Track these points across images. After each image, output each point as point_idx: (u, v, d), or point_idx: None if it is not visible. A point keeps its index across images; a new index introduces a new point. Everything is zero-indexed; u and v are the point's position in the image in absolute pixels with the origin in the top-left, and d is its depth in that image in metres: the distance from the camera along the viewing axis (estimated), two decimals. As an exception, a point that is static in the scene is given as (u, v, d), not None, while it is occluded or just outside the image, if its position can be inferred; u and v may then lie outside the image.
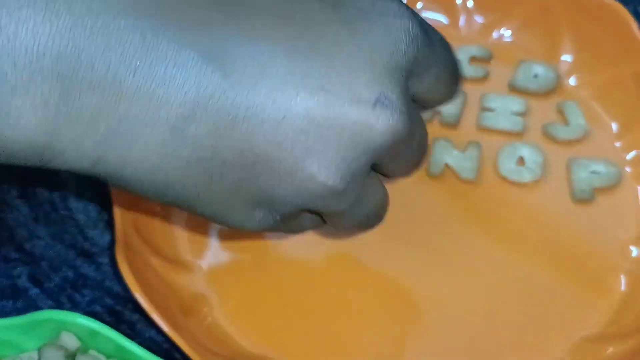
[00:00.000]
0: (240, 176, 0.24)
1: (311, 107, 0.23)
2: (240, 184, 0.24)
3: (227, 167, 0.24)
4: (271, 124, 0.23)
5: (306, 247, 0.37)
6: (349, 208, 0.26)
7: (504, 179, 0.40)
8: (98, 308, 0.36)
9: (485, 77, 0.44)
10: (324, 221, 0.28)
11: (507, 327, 0.34)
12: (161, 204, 0.29)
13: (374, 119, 0.24)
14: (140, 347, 0.29)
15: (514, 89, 0.43)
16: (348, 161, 0.24)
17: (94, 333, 0.30)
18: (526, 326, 0.34)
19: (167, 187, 0.25)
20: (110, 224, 0.40)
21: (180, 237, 0.38)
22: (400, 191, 0.40)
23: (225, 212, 0.26)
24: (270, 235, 0.37)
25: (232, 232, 0.38)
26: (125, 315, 0.36)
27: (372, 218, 0.29)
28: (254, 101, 0.23)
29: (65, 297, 0.37)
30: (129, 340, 0.30)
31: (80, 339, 0.31)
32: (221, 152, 0.23)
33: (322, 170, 0.24)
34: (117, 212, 0.35)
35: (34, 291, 0.37)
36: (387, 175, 0.29)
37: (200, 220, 0.38)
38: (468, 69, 0.44)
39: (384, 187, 0.29)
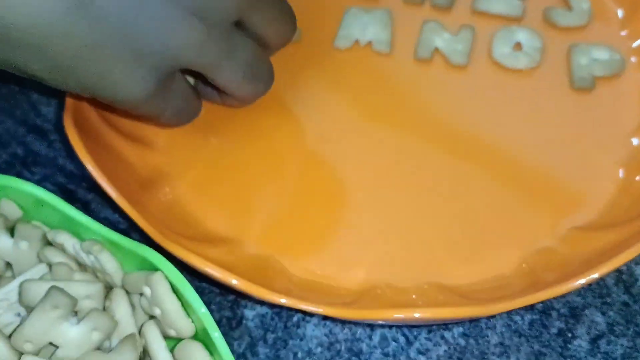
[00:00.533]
0: (118, 24, 0.25)
1: None
2: (119, 34, 0.25)
3: (105, 12, 0.25)
4: None
5: (271, 124, 0.34)
6: (224, 58, 0.28)
7: (497, 64, 0.36)
8: (49, 186, 0.33)
9: (483, -42, 0.40)
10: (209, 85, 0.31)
11: (498, 210, 0.32)
12: (44, 73, 0.27)
13: None
14: (87, 216, 0.27)
15: (514, -30, 0.39)
16: (208, 5, 0.27)
17: (38, 202, 0.27)
18: (517, 210, 0.31)
19: (49, 39, 0.25)
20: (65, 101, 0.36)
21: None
22: (385, 74, 0.37)
23: (107, 73, 0.26)
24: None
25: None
26: (78, 193, 0.33)
27: (253, 71, 0.30)
28: None
29: (13, 173, 0.34)
30: (75, 209, 0.27)
31: (22, 208, 0.28)
32: None
33: (186, 17, 0.26)
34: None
35: (-21, 166, 0.34)
36: (260, 43, 0.31)
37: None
38: (463, -52, 0.40)
39: (254, 43, 0.30)
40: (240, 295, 0.30)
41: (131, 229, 0.32)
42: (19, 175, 0.34)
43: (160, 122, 0.32)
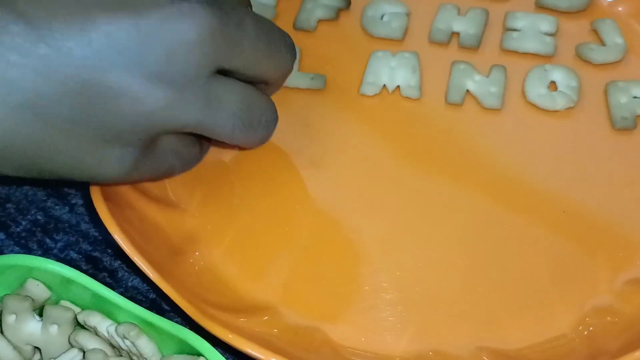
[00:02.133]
0: (74, 112, 0.24)
1: (113, 23, 0.23)
2: (79, 121, 0.24)
3: (57, 105, 0.23)
4: (81, 49, 0.23)
5: (302, 181, 0.33)
6: (205, 115, 0.26)
7: (533, 105, 0.35)
8: (73, 254, 0.32)
9: (508, -6, 0.39)
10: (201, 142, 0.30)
11: (548, 264, 0.30)
12: (17, 172, 0.26)
13: (176, 15, 0.24)
14: (120, 296, 0.25)
15: (542, 6, 0.38)
16: (171, 68, 0.24)
17: (66, 281, 0.26)
18: (568, 263, 0.30)
19: (6, 142, 0.24)
20: (85, 161, 0.35)
21: (165, 175, 0.33)
22: (415, 120, 0.35)
23: (76, 161, 0.25)
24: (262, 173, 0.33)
25: (224, 167, 0.34)
26: (104, 262, 0.31)
27: (245, 120, 0.28)
28: (57, 31, 0.23)
29: (34, 242, 0.32)
30: (107, 288, 0.25)
31: (50, 288, 0.26)
32: (45, 91, 0.23)
33: (147, 85, 0.24)
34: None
35: (-1, 236, 0.32)
36: (257, 80, 0.29)
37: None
38: (490, -15, 0.39)
39: (244, 87, 0.28)
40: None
41: (162, 298, 0.30)
42: (41, 243, 0.32)
43: (160, 178, 0.30)
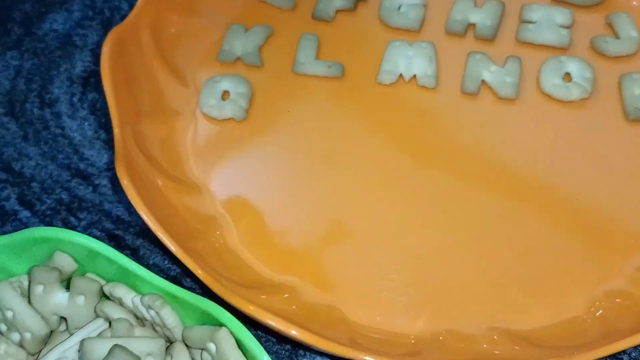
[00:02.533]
0: None
1: None
2: None
3: None
4: None
5: (318, 165, 0.33)
6: None
7: (548, 96, 0.35)
8: (96, 233, 0.32)
9: (525, -13, 0.39)
10: None
11: (561, 251, 0.30)
12: None
13: None
14: (145, 269, 0.26)
15: (558, -1, 0.39)
16: None
17: (92, 254, 0.26)
18: (581, 250, 0.30)
19: None
20: (108, 144, 0.36)
21: (185, 156, 0.34)
22: (432, 109, 0.36)
23: None
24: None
25: (244, 152, 0.34)
26: (126, 240, 0.32)
27: None
28: None
29: (59, 220, 0.33)
30: (131, 261, 0.26)
31: (77, 260, 0.27)
32: None
33: None
34: (117, 129, 0.31)
35: (24, 214, 0.33)
36: None
37: (205, 139, 0.35)
38: (506, -22, 0.39)
39: None
40: (299, 344, 0.29)
41: (183, 275, 0.31)
42: (65, 222, 0.33)
43: None
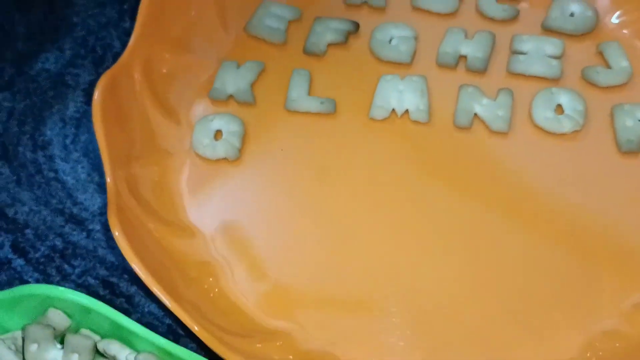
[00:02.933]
0: None
1: None
2: None
3: None
4: None
5: (315, 215, 0.33)
6: None
7: (540, 128, 0.35)
8: (91, 280, 0.32)
9: (515, 17, 0.39)
10: None
11: (557, 285, 0.30)
12: None
13: None
14: (139, 324, 0.26)
15: (548, 29, 0.39)
16: None
17: (85, 309, 0.26)
18: (577, 284, 0.30)
19: None
20: (101, 187, 0.36)
21: (178, 198, 0.34)
22: (425, 143, 0.36)
23: None
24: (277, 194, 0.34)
25: (238, 193, 0.34)
26: (121, 287, 0.32)
27: None
28: None
29: (53, 268, 0.33)
30: (125, 317, 0.26)
31: (70, 316, 0.27)
32: None
33: None
34: (110, 178, 0.31)
35: (18, 262, 0.33)
36: None
37: (198, 180, 0.35)
38: (496, 9, 0.39)
39: None
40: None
41: (177, 324, 0.31)
42: (59, 269, 0.33)
43: None
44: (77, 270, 0.33)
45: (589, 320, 0.29)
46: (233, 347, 0.26)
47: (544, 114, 0.36)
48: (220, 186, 0.35)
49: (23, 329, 0.27)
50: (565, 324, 0.29)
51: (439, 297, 0.31)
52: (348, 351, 0.29)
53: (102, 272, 0.33)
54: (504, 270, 0.31)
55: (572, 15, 0.39)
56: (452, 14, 0.40)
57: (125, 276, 0.32)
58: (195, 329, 0.26)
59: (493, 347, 0.29)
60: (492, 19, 0.39)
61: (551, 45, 0.38)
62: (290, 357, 0.28)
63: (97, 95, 0.33)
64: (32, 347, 0.26)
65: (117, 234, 0.28)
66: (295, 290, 0.31)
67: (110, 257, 0.33)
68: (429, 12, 0.40)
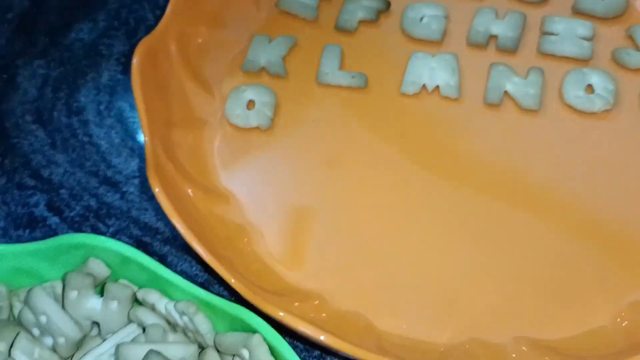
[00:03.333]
0: None
1: None
2: None
3: None
4: None
5: (344, 175, 0.34)
6: None
7: (571, 107, 0.36)
8: (124, 239, 0.33)
9: (545, 0, 0.40)
10: None
11: (585, 262, 0.31)
12: None
13: None
14: (177, 275, 0.26)
15: (579, 12, 0.39)
16: None
17: (125, 260, 0.27)
18: (604, 261, 0.31)
19: None
20: (135, 151, 0.36)
21: (212, 166, 0.34)
22: (455, 119, 0.36)
23: None
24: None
25: (270, 161, 0.35)
26: (154, 247, 0.33)
27: None
28: None
29: (87, 227, 0.33)
30: (164, 267, 0.26)
31: (109, 266, 0.27)
32: None
33: None
34: (147, 138, 0.31)
35: (54, 220, 0.34)
36: None
37: (232, 148, 0.35)
38: (527, -9, 0.40)
39: None
40: (327, 351, 0.29)
41: (211, 282, 0.31)
42: (94, 228, 0.33)
43: None
44: (111, 229, 0.33)
45: (619, 292, 0.29)
46: (268, 300, 0.26)
47: (574, 93, 0.36)
48: (253, 155, 0.35)
49: (63, 277, 0.27)
50: (597, 295, 0.30)
51: (469, 273, 0.31)
52: (380, 315, 0.29)
53: (136, 232, 0.33)
54: (535, 246, 0.31)
55: (603, -2, 0.39)
56: (483, -5, 0.40)
57: (158, 236, 0.33)
58: (232, 281, 0.27)
59: (524, 317, 0.29)
60: (522, 1, 0.40)
61: (582, 27, 0.38)
62: (324, 315, 0.28)
63: (135, 60, 0.33)
64: (72, 295, 0.26)
65: (157, 190, 0.29)
66: (328, 256, 0.31)
67: (144, 218, 0.34)
68: (460, -8, 0.40)
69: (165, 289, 0.26)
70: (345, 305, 0.29)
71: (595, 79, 0.36)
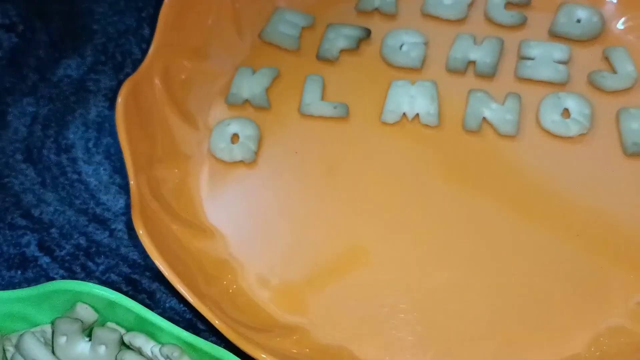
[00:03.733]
0: None
1: None
2: None
3: None
4: None
5: (325, 203, 0.35)
6: None
7: (547, 132, 0.37)
8: (114, 277, 0.34)
9: (522, 24, 0.40)
10: None
11: (565, 285, 0.32)
12: None
13: None
14: (162, 318, 0.27)
15: (555, 35, 0.40)
16: None
17: (111, 304, 0.28)
18: (585, 284, 0.32)
19: None
20: (123, 188, 0.37)
21: (197, 200, 0.35)
22: (435, 146, 0.37)
23: None
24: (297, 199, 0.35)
25: (255, 194, 0.36)
26: (143, 284, 0.34)
27: None
28: None
29: (78, 266, 0.34)
30: (149, 311, 0.27)
31: (97, 310, 0.28)
32: None
33: None
34: (132, 180, 0.32)
35: (44, 260, 0.35)
36: None
37: (216, 182, 0.36)
38: (504, 15, 0.40)
39: None
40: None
41: (197, 319, 0.32)
42: (84, 267, 0.34)
43: None
44: (100, 268, 0.34)
45: (596, 317, 0.30)
46: (252, 340, 0.27)
47: (551, 118, 0.37)
48: (238, 189, 0.36)
49: (52, 323, 0.28)
50: (573, 321, 0.30)
51: (448, 295, 0.32)
52: (362, 346, 0.30)
53: (125, 269, 0.34)
54: (513, 269, 0.32)
55: (578, 21, 0.40)
56: (461, 20, 0.41)
57: (147, 273, 0.34)
58: (216, 322, 0.28)
59: (503, 345, 0.30)
60: (500, 25, 0.40)
61: (558, 51, 0.39)
62: (307, 350, 0.29)
63: (119, 101, 0.34)
64: (61, 340, 0.27)
65: (141, 232, 0.30)
66: (308, 287, 0.32)
67: (133, 255, 0.34)
68: (438, 19, 0.41)
69: (151, 331, 0.27)
70: (328, 338, 0.30)
71: (571, 103, 0.37)
